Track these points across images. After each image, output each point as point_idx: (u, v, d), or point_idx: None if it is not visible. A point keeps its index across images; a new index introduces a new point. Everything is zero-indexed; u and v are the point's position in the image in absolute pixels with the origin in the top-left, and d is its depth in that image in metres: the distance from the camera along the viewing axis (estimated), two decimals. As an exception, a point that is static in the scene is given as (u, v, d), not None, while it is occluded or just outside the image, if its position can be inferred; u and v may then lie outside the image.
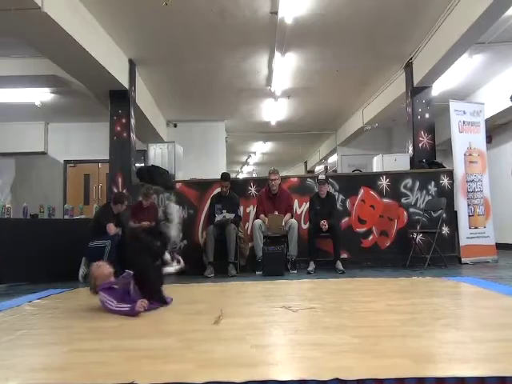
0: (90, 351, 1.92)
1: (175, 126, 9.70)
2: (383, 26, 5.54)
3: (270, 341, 2.07)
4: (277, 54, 6.13)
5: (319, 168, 14.72)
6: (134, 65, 6.52)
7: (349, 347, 1.82)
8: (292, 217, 5.51)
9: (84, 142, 9.30)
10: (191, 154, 9.06)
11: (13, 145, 9.12)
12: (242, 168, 16.26)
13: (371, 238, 5.96)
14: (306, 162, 15.83)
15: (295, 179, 6.18)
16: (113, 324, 2.42)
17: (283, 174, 6.94)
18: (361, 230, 5.98)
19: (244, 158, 14.42)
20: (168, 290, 4.02)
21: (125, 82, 6.22)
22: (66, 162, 9.51)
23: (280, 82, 7.25)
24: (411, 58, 6.49)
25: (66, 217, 5.86)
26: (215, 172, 8.11)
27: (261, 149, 13.08)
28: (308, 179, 6.13)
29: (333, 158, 12.56)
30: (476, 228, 6.02)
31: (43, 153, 9.45)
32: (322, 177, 5.53)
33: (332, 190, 5.94)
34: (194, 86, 7.58)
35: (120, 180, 6.26)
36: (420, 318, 2.38)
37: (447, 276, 4.33)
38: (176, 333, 2.20)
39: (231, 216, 5.40)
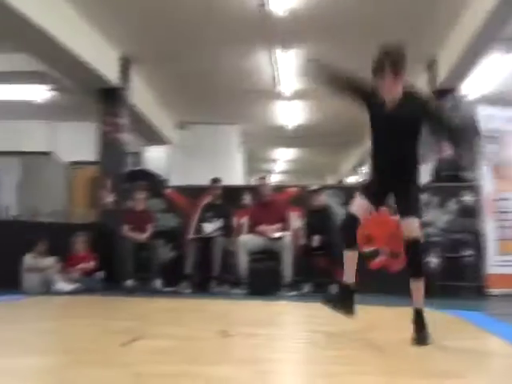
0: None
1: (184, 128, 9.74)
2: (401, 21, 5.27)
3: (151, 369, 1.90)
4: (278, 51, 6.00)
5: (352, 178, 14.36)
6: (127, 62, 6.57)
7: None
8: (285, 228, 5.32)
9: (90, 143, 9.51)
10: (201, 158, 9.04)
11: (18, 144, 9.50)
12: (268, 177, 16.09)
13: (380, 259, 5.63)
14: (337, 172, 15.50)
15: (294, 189, 5.99)
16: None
17: (311, 183, 6.67)
18: (368, 249, 5.66)
19: (267, 166, 14.30)
20: (113, 303, 4.04)
21: (115, 79, 6.29)
22: (72, 163, 9.79)
23: (288, 81, 7.10)
24: (434, 57, 6.14)
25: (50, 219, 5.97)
26: (230, 179, 8.06)
27: (284, 156, 12.92)
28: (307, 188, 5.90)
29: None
30: (508, 254, 5.54)
31: (48, 153, 9.78)
32: (313, 187, 5.32)
33: (339, 202, 5.69)
34: (198, 87, 7.60)
35: (109, 184, 6.30)
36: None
37: (462, 309, 3.94)
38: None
39: (217, 227, 5.33)
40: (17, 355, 2.09)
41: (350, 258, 2.56)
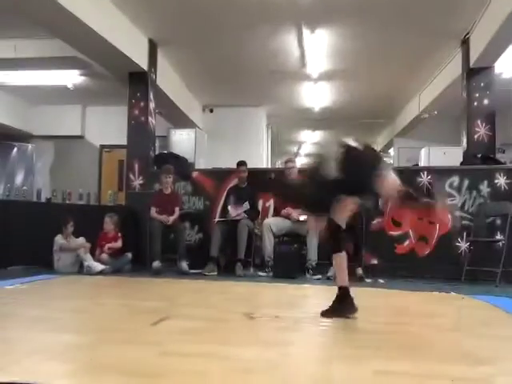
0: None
1: (211, 111, 9.74)
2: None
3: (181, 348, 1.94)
4: (305, 32, 5.88)
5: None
6: (154, 45, 6.59)
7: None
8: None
9: (120, 127, 9.65)
10: (228, 141, 9.05)
11: (52, 128, 9.76)
12: (295, 159, 15.97)
13: (407, 243, 5.54)
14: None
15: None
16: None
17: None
18: (395, 233, 5.58)
19: (294, 149, 14.19)
20: (141, 283, 4.14)
21: (143, 63, 6.32)
22: (102, 146, 9.99)
23: (315, 63, 6.97)
24: (467, 34, 5.87)
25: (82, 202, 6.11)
26: (256, 162, 8.06)
27: (310, 138, 12.77)
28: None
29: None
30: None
31: (80, 137, 10.01)
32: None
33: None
34: (224, 69, 7.54)
35: (137, 167, 6.40)
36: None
37: (493, 295, 3.84)
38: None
39: (244, 209, 5.36)
40: (50, 332, 2.18)
41: (340, 262, 2.62)
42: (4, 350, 1.88)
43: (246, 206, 5.43)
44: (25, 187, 7.36)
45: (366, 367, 1.70)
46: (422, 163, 6.67)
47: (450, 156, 6.06)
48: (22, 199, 5.90)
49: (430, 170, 5.59)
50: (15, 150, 9.66)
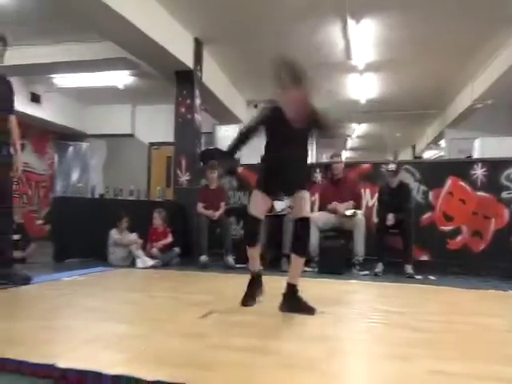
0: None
1: (256, 106, 9.72)
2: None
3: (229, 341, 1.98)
4: (350, 22, 5.74)
5: (428, 154, 13.58)
6: (200, 44, 6.70)
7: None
8: (357, 206, 5.20)
9: (168, 124, 9.92)
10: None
11: (104, 127, 10.20)
12: (341, 153, 15.74)
13: (460, 238, 5.31)
14: (413, 146, 14.73)
15: (367, 166, 5.79)
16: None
17: (386, 160, 6.52)
18: (447, 228, 5.37)
19: (337, 142, 13.94)
20: (189, 277, 4.24)
21: (189, 61, 6.44)
22: (151, 144, 10.30)
23: (361, 53, 6.80)
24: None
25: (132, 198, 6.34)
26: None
27: (356, 131, 12.51)
28: (382, 165, 5.67)
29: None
30: None
31: (131, 135, 10.39)
32: (391, 167, 5.07)
33: (412, 180, 5.44)
34: (268, 64, 7.49)
35: (184, 163, 6.55)
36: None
37: None
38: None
39: (288, 204, 5.32)
40: (106, 322, 2.29)
41: (254, 254, 2.83)
42: (62, 338, 2.00)
43: (290, 200, 5.40)
44: (80, 184, 7.76)
45: (417, 366, 1.66)
46: (476, 155, 6.34)
47: (508, 146, 5.70)
48: (77, 196, 6.22)
49: (485, 162, 5.31)
50: (71, 148, 10.20)
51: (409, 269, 4.77)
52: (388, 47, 6.74)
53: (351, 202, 5.11)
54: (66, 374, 1.48)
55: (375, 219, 5.40)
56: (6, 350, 1.71)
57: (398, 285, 4.02)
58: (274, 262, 5.23)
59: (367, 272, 4.89)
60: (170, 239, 5.40)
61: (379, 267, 4.92)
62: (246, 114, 9.64)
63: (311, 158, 10.11)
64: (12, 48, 6.82)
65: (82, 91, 8.99)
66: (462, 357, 1.81)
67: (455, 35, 6.24)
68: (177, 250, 5.45)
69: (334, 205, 5.10)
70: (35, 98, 8.59)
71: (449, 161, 6.32)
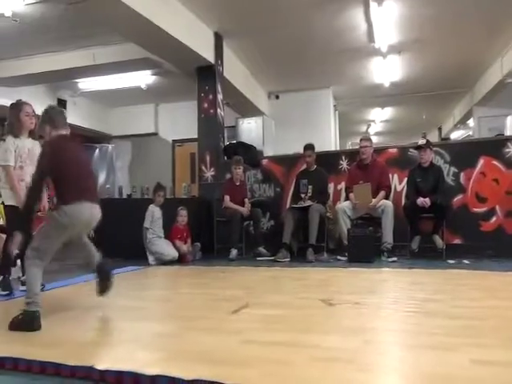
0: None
1: (277, 97, 9.67)
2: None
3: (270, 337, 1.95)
4: (372, 4, 5.57)
5: (456, 134, 13.16)
6: (220, 38, 6.67)
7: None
8: (387, 196, 5.09)
9: (190, 121, 9.95)
10: (295, 126, 8.95)
11: (128, 127, 10.34)
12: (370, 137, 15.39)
13: (494, 220, 5.13)
14: (440, 128, 14.30)
15: (394, 150, 5.65)
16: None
17: (409, 143, 6.35)
18: (480, 210, 5.19)
19: (362, 128, 13.69)
20: (216, 272, 4.23)
21: (210, 56, 6.42)
22: (174, 141, 10.37)
23: (384, 36, 6.59)
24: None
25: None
26: (324, 145, 7.89)
27: (380, 116, 12.24)
28: (410, 150, 5.51)
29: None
30: None
31: (155, 134, 10.49)
32: (422, 141, 4.93)
33: (441, 162, 5.28)
34: (289, 53, 7.41)
35: (208, 158, 6.56)
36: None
37: None
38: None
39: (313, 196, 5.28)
40: (139, 321, 2.30)
41: None
42: (98, 338, 2.02)
43: (316, 190, 5.33)
44: (108, 185, 7.88)
45: (460, 356, 1.60)
46: (509, 132, 6.08)
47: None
48: (106, 197, 6.32)
49: (519, 140, 5.10)
50: (97, 151, 10.36)
51: (438, 240, 4.76)
52: (411, 27, 6.52)
53: (382, 193, 5.00)
54: (104, 375, 1.49)
55: (406, 202, 5.23)
56: (45, 353, 1.71)
57: (430, 271, 3.90)
58: (300, 252, 5.21)
59: (395, 258, 4.80)
60: (189, 236, 5.38)
61: (415, 242, 4.82)
62: (268, 106, 9.58)
63: (335, 146, 9.99)
64: (38, 56, 7.11)
65: (106, 94, 9.12)
66: (505, 345, 1.74)
67: (482, 10, 5.97)
68: (198, 244, 5.52)
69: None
70: (62, 104, 8.76)
71: (480, 140, 6.06)
